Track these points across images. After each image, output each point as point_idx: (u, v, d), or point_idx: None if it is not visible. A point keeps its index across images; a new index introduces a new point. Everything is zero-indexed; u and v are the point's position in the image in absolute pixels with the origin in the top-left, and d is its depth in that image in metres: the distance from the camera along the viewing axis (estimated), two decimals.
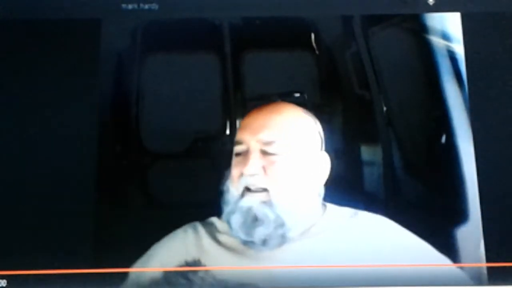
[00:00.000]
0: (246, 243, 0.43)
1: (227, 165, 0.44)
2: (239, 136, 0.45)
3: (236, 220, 0.43)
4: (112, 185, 0.45)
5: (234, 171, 0.44)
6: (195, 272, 0.43)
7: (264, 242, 0.43)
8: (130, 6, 0.48)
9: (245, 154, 0.44)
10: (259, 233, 0.42)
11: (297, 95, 0.46)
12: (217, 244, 0.44)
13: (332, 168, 0.45)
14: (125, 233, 0.44)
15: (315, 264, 0.43)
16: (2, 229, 0.43)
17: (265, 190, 0.43)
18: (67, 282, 0.42)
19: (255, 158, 0.43)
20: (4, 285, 0.42)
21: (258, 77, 0.47)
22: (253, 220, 0.43)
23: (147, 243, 0.43)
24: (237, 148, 0.44)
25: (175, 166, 0.46)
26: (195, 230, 0.44)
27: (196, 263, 0.43)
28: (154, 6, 0.49)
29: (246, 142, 0.44)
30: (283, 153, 0.43)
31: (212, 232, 0.44)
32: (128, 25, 0.48)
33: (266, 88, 0.47)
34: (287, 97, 0.46)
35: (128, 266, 0.43)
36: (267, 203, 0.43)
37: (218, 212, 0.44)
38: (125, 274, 0.42)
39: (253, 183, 0.43)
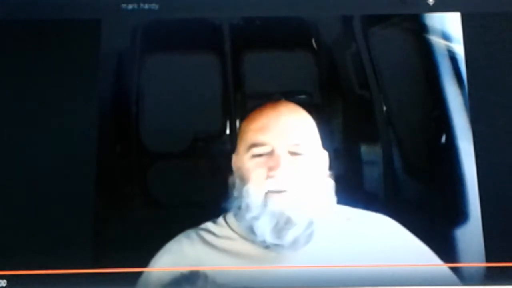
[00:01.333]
0: (270, 246, 0.42)
1: (227, 166, 0.44)
2: (260, 137, 0.44)
3: (265, 224, 0.42)
4: (112, 185, 0.45)
5: (257, 173, 0.43)
6: (195, 279, 0.42)
7: (293, 244, 0.42)
8: (130, 6, 0.48)
9: (270, 155, 0.43)
10: (290, 235, 0.42)
11: (302, 96, 0.46)
12: (215, 250, 0.43)
13: (332, 168, 0.45)
14: (125, 233, 0.44)
15: (315, 264, 0.42)
16: (2, 229, 0.43)
17: (293, 191, 0.43)
18: (67, 282, 0.42)
19: (286, 160, 0.43)
20: (4, 285, 0.42)
21: (258, 77, 0.47)
22: (286, 222, 0.42)
23: (147, 243, 0.43)
24: (258, 150, 0.43)
25: (175, 166, 0.46)
26: (190, 239, 0.44)
27: (193, 273, 0.42)
28: (154, 6, 0.49)
29: (270, 144, 0.43)
30: (307, 153, 0.44)
31: (209, 239, 0.44)
32: (128, 25, 0.48)
33: (266, 89, 0.47)
34: (290, 97, 0.46)
35: (128, 266, 0.43)
36: (298, 204, 0.42)
37: (218, 213, 0.44)
38: (125, 274, 0.42)
39: (282, 185, 0.42)
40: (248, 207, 0.43)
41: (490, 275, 0.42)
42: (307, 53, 0.48)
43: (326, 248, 0.43)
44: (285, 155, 0.43)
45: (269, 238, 0.42)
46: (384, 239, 0.43)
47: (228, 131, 0.46)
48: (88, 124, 0.45)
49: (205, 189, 0.44)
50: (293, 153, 0.43)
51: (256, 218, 0.42)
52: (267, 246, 0.42)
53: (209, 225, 0.44)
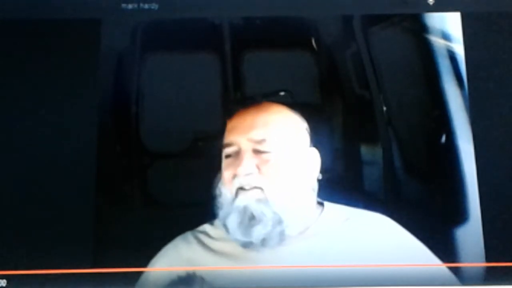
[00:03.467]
0: (245, 244, 0.43)
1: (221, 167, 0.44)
2: (228, 138, 0.44)
3: (233, 220, 0.43)
4: (112, 185, 0.45)
5: (226, 173, 0.44)
6: (192, 281, 0.42)
7: (264, 242, 0.42)
8: (130, 6, 0.48)
9: (236, 154, 0.44)
10: (258, 232, 0.42)
11: (282, 93, 0.46)
12: (211, 253, 0.43)
13: (332, 168, 0.45)
14: (125, 232, 0.44)
15: (313, 264, 0.42)
16: (2, 229, 0.43)
17: (259, 188, 0.43)
18: (67, 282, 0.42)
19: (248, 158, 0.43)
20: (4, 285, 0.42)
21: (258, 77, 0.47)
22: (250, 219, 0.42)
23: (147, 242, 0.43)
24: (227, 150, 0.44)
25: (175, 166, 0.46)
26: (187, 241, 0.44)
27: (190, 276, 0.42)
28: (154, 6, 0.49)
29: (237, 143, 0.44)
30: (275, 150, 0.43)
31: (205, 241, 0.44)
32: (128, 25, 0.48)
33: (266, 88, 0.47)
34: (272, 97, 0.46)
35: (128, 266, 0.43)
36: (263, 201, 0.42)
37: (216, 213, 0.44)
38: (125, 274, 0.42)
39: (248, 183, 0.43)
40: (221, 205, 0.43)
41: (490, 275, 0.42)
42: (307, 53, 0.48)
43: (325, 247, 0.43)
44: (248, 153, 0.43)
45: (239, 235, 0.42)
46: (383, 239, 0.43)
47: None
48: (88, 124, 0.46)
49: (204, 189, 0.44)
50: (257, 151, 0.43)
51: (226, 214, 0.43)
52: (242, 244, 0.43)
53: (206, 227, 0.44)
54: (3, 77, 0.46)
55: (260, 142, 0.43)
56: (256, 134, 0.44)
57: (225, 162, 0.44)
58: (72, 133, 0.45)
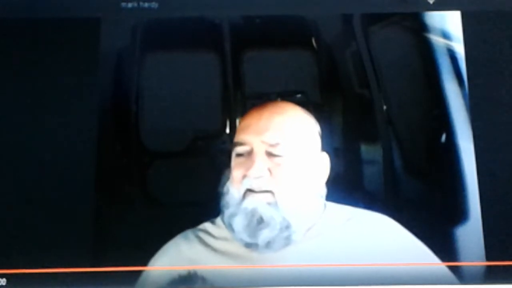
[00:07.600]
0: (249, 245, 0.42)
1: (227, 165, 0.44)
2: (241, 136, 0.44)
3: (239, 222, 0.42)
4: (112, 184, 0.45)
5: (236, 172, 0.43)
6: (192, 280, 0.42)
7: (268, 245, 0.42)
8: (129, 5, 0.48)
9: (248, 155, 0.43)
10: (264, 235, 0.42)
11: (299, 95, 0.46)
12: (213, 251, 0.43)
13: (332, 167, 0.45)
14: (125, 231, 0.44)
15: (315, 263, 0.42)
16: (2, 228, 0.43)
17: (269, 191, 0.42)
18: (66, 281, 0.42)
19: (261, 160, 0.42)
20: (4, 284, 0.42)
21: (258, 76, 0.47)
22: (259, 222, 0.42)
23: (147, 241, 0.43)
24: (239, 149, 0.43)
25: (175, 165, 0.46)
26: (187, 240, 0.43)
27: (191, 275, 0.42)
28: (154, 4, 0.48)
29: (250, 143, 0.43)
30: (288, 154, 0.43)
31: (207, 240, 0.43)
32: (128, 24, 0.48)
33: (266, 87, 0.47)
34: (287, 97, 0.46)
35: (128, 265, 0.43)
36: (272, 205, 0.42)
37: (217, 212, 0.44)
38: (125, 273, 0.42)
39: (258, 185, 0.42)
40: (227, 204, 0.43)
41: (490, 274, 0.42)
42: (307, 52, 0.48)
43: (327, 247, 0.43)
44: (261, 156, 0.42)
45: (244, 236, 0.42)
46: (384, 239, 0.43)
47: (228, 130, 0.46)
48: (88, 124, 0.45)
49: (204, 188, 0.44)
50: (270, 154, 0.43)
51: (233, 215, 0.42)
52: (246, 245, 0.42)
53: (207, 225, 0.44)
54: (2, 76, 0.46)
55: (274, 145, 0.43)
56: (270, 137, 0.43)
57: (235, 161, 0.43)
58: (72, 132, 0.45)
